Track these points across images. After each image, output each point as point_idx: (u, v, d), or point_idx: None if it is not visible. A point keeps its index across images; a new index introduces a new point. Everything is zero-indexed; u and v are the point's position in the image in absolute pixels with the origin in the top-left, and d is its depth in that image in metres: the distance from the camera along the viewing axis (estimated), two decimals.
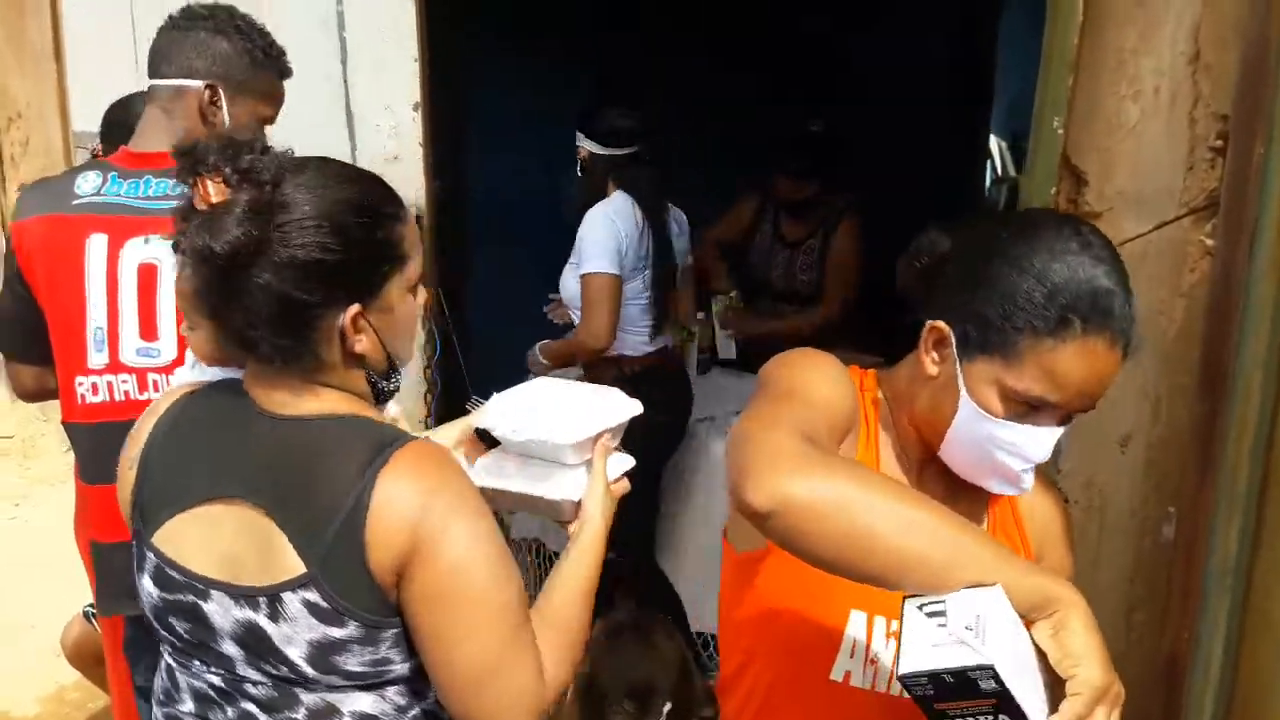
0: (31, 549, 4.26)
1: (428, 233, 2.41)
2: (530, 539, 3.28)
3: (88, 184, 1.65)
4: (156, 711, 1.09)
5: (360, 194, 0.96)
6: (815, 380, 0.94)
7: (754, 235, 3.41)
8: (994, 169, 7.47)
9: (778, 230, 3.37)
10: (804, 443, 0.82)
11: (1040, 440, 0.91)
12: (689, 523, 3.00)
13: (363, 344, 0.95)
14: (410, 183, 2.41)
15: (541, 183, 3.28)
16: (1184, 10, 1.27)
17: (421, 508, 0.89)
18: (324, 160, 0.99)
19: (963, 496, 0.99)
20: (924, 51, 4.70)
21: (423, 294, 1.03)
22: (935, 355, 0.93)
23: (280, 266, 0.90)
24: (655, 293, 2.60)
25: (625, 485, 1.13)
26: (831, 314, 3.08)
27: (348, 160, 2.41)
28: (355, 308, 0.94)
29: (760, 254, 3.40)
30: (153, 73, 1.68)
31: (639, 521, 2.88)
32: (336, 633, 0.91)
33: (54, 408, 5.26)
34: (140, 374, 1.64)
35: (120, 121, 2.16)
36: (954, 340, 0.92)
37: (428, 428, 2.51)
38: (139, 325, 1.63)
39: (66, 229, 1.63)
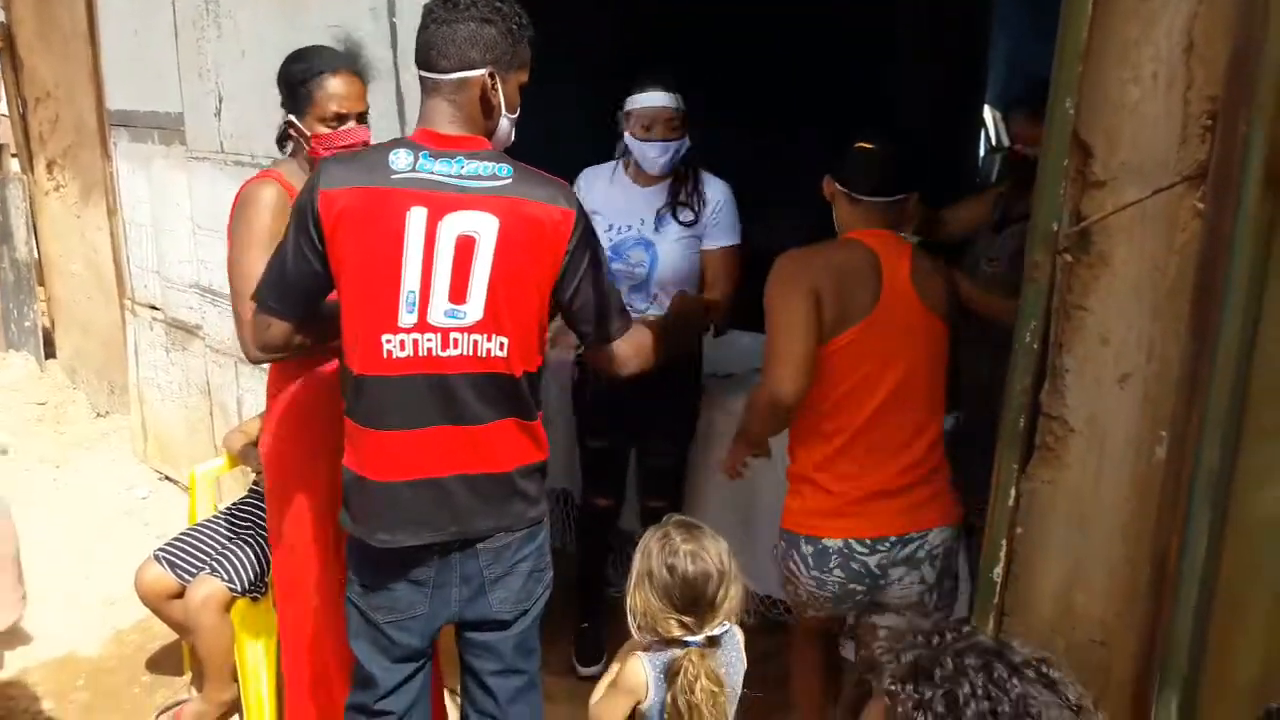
0: (75, 509, 4.47)
1: None
2: (558, 489, 3.49)
3: (401, 160, 1.80)
4: None
5: None
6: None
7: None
8: (988, 139, 7.66)
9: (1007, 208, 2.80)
10: None
11: None
12: (709, 475, 3.22)
13: None
14: None
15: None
16: (1180, 6, 1.47)
17: None
18: None
19: None
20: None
21: None
22: None
23: None
24: None
25: None
26: None
27: None
28: None
29: (984, 237, 2.88)
30: (427, 65, 1.84)
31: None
32: None
33: (84, 376, 5.50)
34: (444, 333, 1.81)
35: (301, 76, 2.27)
36: None
37: None
38: (450, 289, 1.79)
39: (387, 200, 1.78)
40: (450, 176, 1.80)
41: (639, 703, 1.83)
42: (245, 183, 2.30)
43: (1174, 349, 1.51)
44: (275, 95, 2.31)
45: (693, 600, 1.79)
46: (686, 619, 1.80)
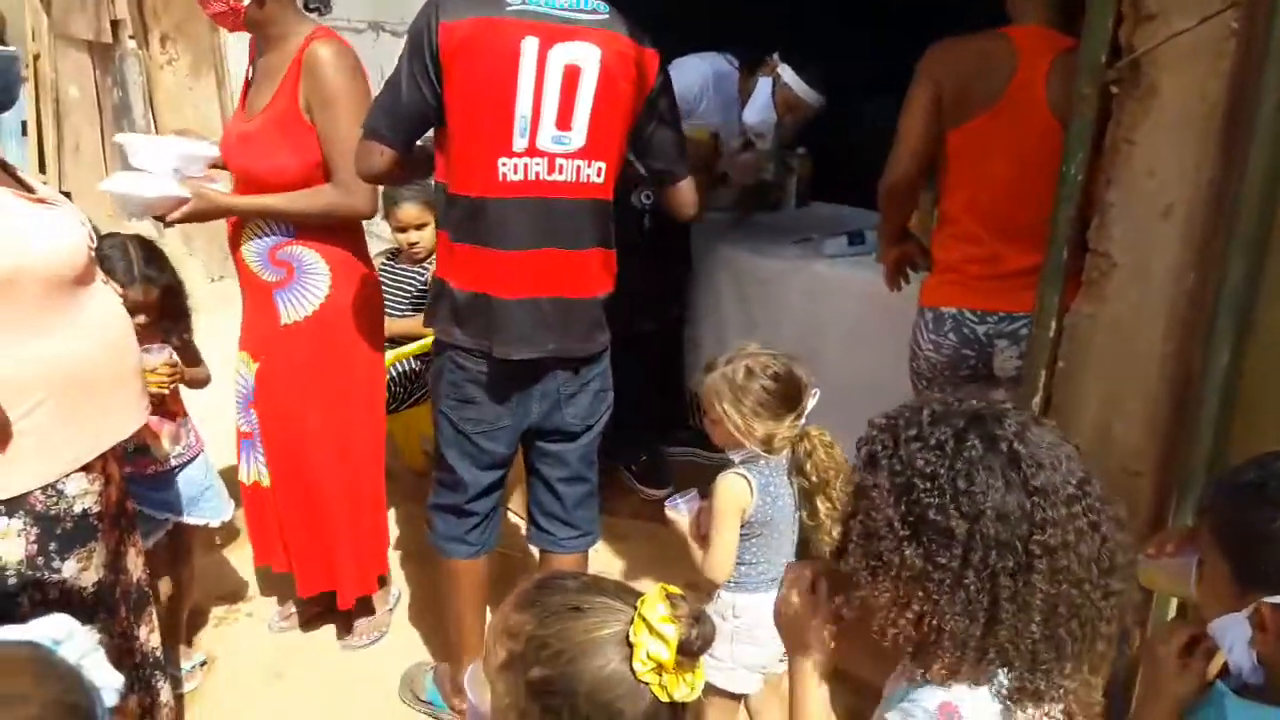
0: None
1: None
2: None
3: None
4: None
5: None
6: None
7: None
8: None
9: None
10: None
11: None
12: (776, 321, 3.31)
13: None
14: None
15: None
16: None
17: None
18: None
19: None
20: None
21: None
22: None
23: None
24: None
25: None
26: None
27: None
28: None
29: None
30: None
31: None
32: None
33: (199, 244, 5.73)
34: (551, 158, 1.94)
35: None
36: None
37: None
38: (557, 116, 1.91)
39: (502, 30, 1.90)
40: (558, 9, 1.92)
41: (744, 513, 1.92)
42: None
43: (1209, 174, 1.56)
44: None
45: (792, 397, 1.87)
46: (786, 417, 1.87)
